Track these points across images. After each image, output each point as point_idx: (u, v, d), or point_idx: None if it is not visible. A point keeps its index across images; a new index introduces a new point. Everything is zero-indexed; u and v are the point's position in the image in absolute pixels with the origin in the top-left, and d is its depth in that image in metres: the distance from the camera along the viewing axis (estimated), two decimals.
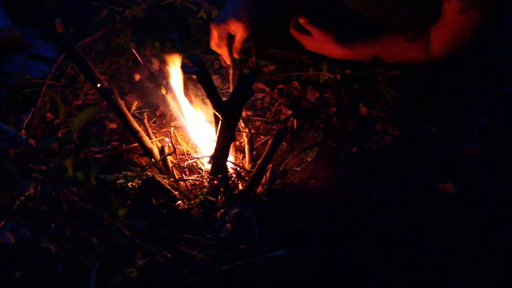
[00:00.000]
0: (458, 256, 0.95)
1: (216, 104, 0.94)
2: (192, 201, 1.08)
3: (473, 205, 1.07)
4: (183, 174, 1.22)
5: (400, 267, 0.94)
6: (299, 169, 1.22)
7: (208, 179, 1.12)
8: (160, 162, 1.15)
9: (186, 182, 1.17)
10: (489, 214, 1.05)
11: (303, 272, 0.91)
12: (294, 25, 1.53)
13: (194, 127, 1.25)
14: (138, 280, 0.83)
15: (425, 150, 1.23)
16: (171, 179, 1.16)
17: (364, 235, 1.00)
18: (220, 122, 0.99)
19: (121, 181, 1.01)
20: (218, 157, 1.06)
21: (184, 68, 0.85)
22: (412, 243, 0.99)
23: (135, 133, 1.14)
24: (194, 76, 0.88)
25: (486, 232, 1.01)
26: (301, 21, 1.46)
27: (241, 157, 1.31)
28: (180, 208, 1.09)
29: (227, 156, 1.08)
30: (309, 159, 1.24)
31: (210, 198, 1.09)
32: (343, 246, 0.97)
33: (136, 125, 1.14)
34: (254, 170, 1.12)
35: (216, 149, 1.06)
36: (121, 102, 1.11)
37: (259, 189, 1.14)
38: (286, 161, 1.25)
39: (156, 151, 1.16)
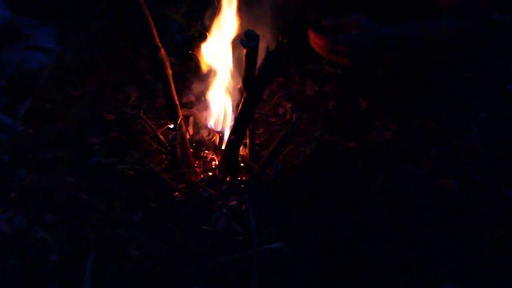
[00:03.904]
0: (455, 252, 0.95)
1: (248, 79, 0.94)
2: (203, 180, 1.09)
3: (472, 202, 1.07)
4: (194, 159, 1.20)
5: (398, 262, 0.93)
6: (297, 162, 1.22)
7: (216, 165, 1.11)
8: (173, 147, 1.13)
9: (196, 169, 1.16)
10: (487, 211, 1.05)
11: (300, 265, 0.91)
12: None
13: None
14: (134, 271, 0.83)
15: (424, 145, 1.23)
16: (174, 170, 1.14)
17: (362, 230, 1.00)
18: (242, 101, 1.00)
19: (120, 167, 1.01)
20: (234, 140, 1.05)
21: (241, 41, 0.87)
22: (410, 239, 0.99)
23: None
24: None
25: (484, 228, 1.01)
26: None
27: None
28: (177, 199, 1.08)
29: (242, 139, 1.08)
30: (307, 153, 1.23)
31: (209, 190, 1.08)
32: (341, 240, 0.97)
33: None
34: (261, 163, 1.11)
35: (232, 130, 1.05)
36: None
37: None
38: (284, 153, 1.25)
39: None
